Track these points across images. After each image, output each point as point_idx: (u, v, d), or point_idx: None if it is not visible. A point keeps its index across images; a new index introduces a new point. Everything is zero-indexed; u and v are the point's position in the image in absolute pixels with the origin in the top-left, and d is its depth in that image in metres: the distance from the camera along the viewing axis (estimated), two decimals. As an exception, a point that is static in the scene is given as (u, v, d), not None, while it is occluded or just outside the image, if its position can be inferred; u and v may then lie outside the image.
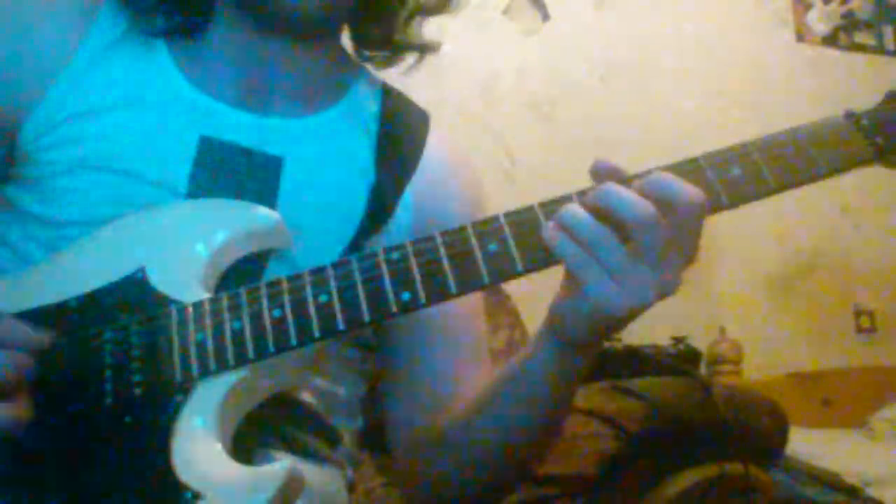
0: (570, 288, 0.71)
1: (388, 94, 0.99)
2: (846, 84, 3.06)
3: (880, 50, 3.24)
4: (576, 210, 0.69)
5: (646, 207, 0.67)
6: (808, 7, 3.17)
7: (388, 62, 1.00)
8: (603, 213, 0.68)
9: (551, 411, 0.81)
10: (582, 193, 0.72)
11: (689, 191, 0.68)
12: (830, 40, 3.18)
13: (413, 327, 0.91)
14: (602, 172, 0.71)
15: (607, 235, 0.68)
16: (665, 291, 0.69)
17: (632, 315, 0.69)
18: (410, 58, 1.00)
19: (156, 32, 0.88)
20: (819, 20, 3.18)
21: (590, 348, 0.76)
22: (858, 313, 3.07)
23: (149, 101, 0.86)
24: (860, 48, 3.21)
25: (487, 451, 0.84)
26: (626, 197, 0.68)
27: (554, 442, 0.87)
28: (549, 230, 0.70)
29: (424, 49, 0.99)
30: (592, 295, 0.68)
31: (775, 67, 3.06)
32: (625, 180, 0.71)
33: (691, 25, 2.96)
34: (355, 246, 0.86)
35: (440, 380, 0.91)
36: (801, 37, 3.15)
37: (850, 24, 3.21)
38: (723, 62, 2.98)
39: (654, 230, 0.67)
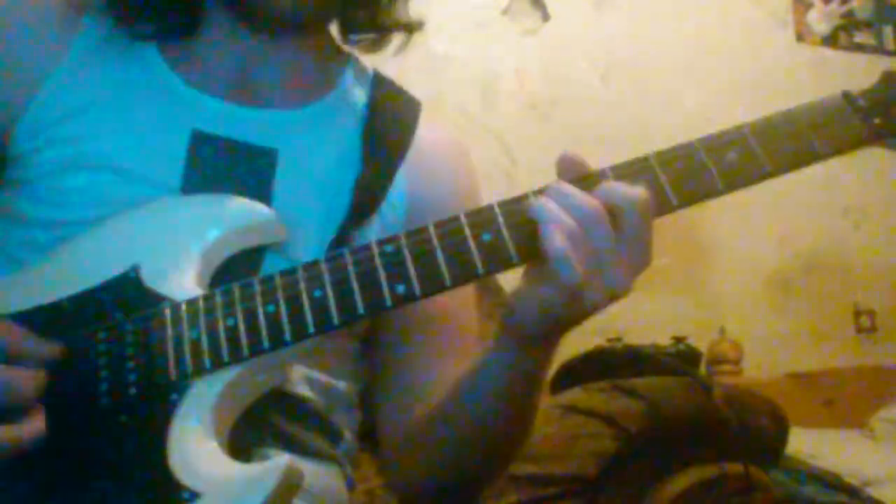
0: (536, 278, 0.71)
1: (378, 82, 0.98)
2: (846, 84, 3.02)
3: (880, 50, 3.24)
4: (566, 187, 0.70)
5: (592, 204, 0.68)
6: (808, 7, 3.17)
7: (375, 46, 0.99)
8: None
9: (515, 407, 0.82)
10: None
11: (634, 192, 0.69)
12: (830, 40, 3.18)
13: (400, 320, 0.91)
14: (566, 166, 0.72)
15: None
16: (617, 294, 0.69)
17: (593, 310, 0.69)
18: (399, 44, 0.99)
19: (144, 37, 0.88)
20: (819, 20, 3.18)
21: (547, 344, 0.76)
22: (858, 313, 3.07)
23: (139, 98, 0.86)
24: (860, 48, 3.21)
25: (458, 446, 0.85)
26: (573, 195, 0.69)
27: (526, 439, 0.87)
28: (537, 204, 0.70)
29: (410, 28, 0.98)
30: (568, 281, 0.67)
31: (775, 67, 3.05)
32: (586, 176, 0.71)
33: (691, 25, 2.96)
34: (342, 237, 0.85)
35: (424, 374, 0.90)
36: (801, 37, 3.15)
37: (850, 24, 3.21)
38: (723, 62, 2.97)
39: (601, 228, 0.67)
